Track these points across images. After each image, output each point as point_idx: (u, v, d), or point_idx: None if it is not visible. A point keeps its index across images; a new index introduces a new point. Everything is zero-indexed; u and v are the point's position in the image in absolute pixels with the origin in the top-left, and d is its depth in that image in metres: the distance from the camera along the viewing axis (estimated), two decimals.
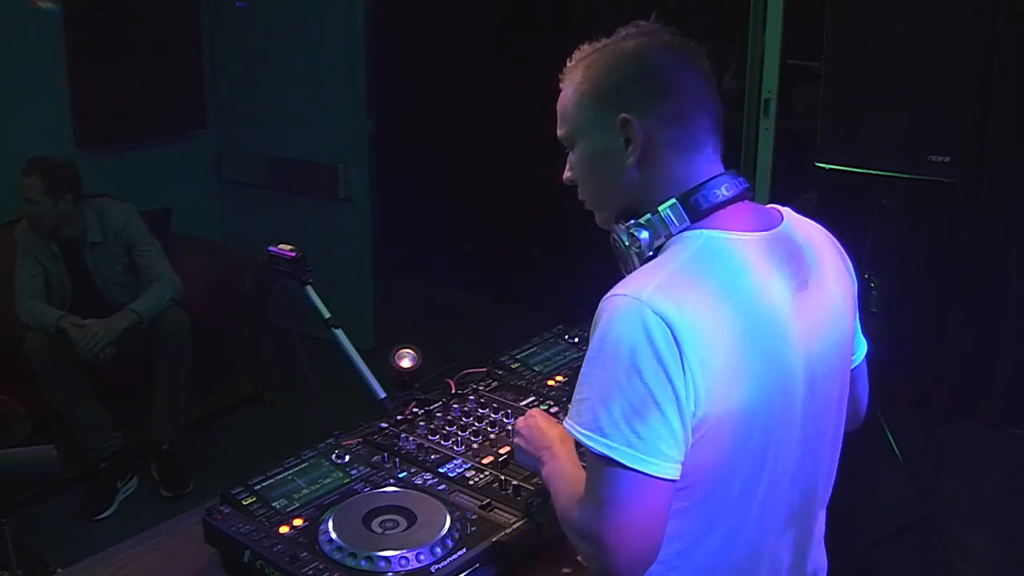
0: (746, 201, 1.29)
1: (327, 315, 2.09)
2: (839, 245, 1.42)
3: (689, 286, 1.18)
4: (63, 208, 3.62)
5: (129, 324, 3.67)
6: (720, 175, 1.28)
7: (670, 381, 1.13)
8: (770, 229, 1.29)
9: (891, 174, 2.75)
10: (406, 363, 1.99)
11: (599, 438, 1.15)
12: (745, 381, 1.18)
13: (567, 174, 1.37)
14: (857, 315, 1.43)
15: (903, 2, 2.65)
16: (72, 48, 4.42)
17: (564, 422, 1.21)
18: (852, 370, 1.43)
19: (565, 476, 1.33)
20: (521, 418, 1.55)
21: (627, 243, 1.28)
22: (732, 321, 1.17)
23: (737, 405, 1.18)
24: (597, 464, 1.16)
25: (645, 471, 1.13)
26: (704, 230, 1.24)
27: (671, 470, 1.15)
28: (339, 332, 2.07)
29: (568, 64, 1.34)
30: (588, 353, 1.19)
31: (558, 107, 1.35)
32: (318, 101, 4.85)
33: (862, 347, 1.47)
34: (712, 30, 4.27)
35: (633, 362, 1.14)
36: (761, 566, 1.30)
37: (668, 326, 1.13)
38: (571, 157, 1.36)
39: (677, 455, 1.15)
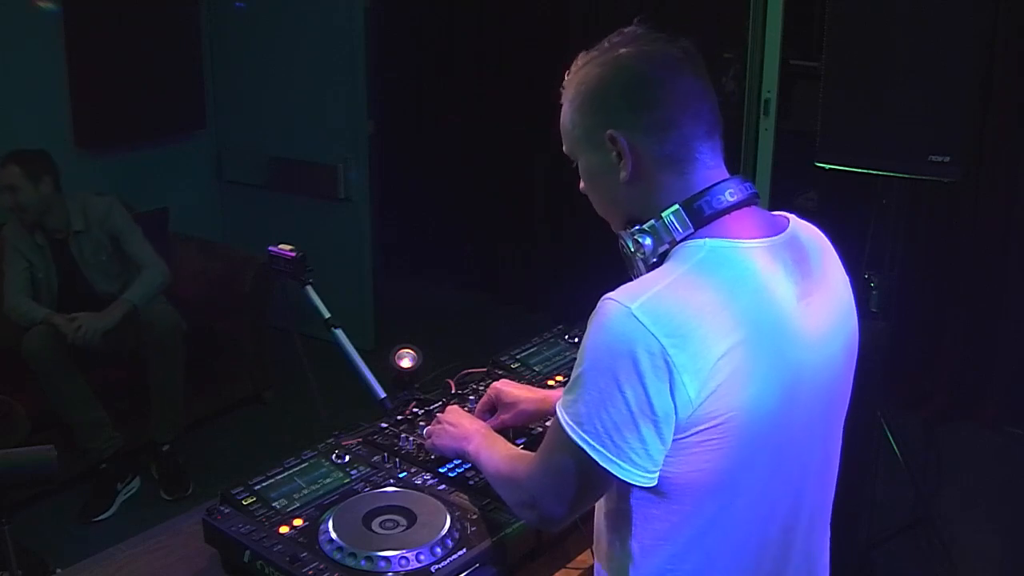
0: (752, 207, 1.28)
1: (327, 315, 2.09)
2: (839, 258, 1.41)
3: (688, 295, 1.17)
4: (44, 192, 3.64)
5: (124, 313, 3.67)
6: (725, 180, 1.26)
7: (647, 395, 1.14)
8: (776, 234, 1.28)
9: (891, 174, 2.74)
10: (406, 363, 1.99)
11: (577, 429, 1.19)
12: (750, 387, 1.17)
13: (581, 185, 1.37)
14: None
15: (903, 2, 2.65)
16: (72, 48, 4.42)
17: (557, 405, 1.23)
18: None
19: (496, 447, 1.51)
20: (442, 414, 1.73)
21: (632, 249, 1.27)
22: (735, 329, 1.16)
23: (742, 410, 1.17)
24: (570, 448, 1.20)
25: (612, 471, 1.18)
26: (708, 239, 1.22)
27: (640, 477, 1.18)
28: (339, 332, 2.07)
29: (567, 76, 1.33)
30: (580, 350, 1.20)
31: (560, 122, 1.35)
32: (318, 101, 4.85)
33: None
34: (712, 30, 4.27)
35: (613, 373, 1.15)
36: (765, 567, 1.30)
37: (656, 338, 1.13)
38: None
39: (649, 465, 1.18)
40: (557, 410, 1.22)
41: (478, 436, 1.58)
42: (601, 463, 1.17)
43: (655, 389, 1.13)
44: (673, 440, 1.17)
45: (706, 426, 1.16)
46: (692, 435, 1.16)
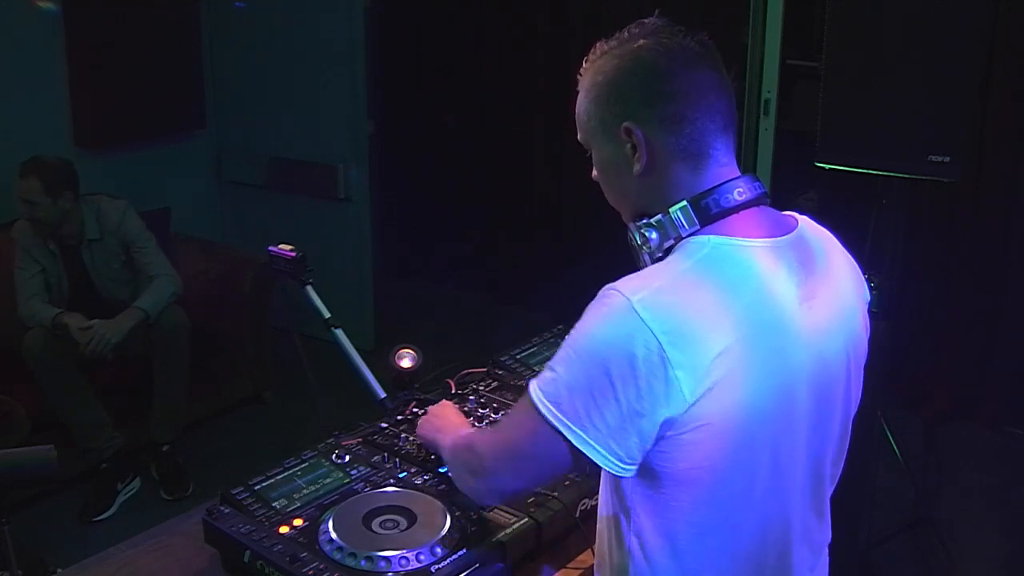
0: (762, 206, 1.28)
1: (327, 315, 2.09)
2: (852, 258, 1.41)
3: (689, 292, 1.17)
4: (63, 206, 3.62)
5: (136, 322, 3.66)
6: (735, 179, 1.26)
7: (638, 389, 1.14)
8: (782, 235, 1.28)
9: (891, 174, 2.74)
10: (406, 363, 1.99)
11: (555, 411, 1.18)
12: (747, 386, 1.17)
13: (594, 174, 1.37)
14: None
15: (903, 2, 2.65)
16: (72, 48, 4.42)
17: (530, 383, 1.23)
18: None
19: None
20: (433, 406, 1.74)
21: (639, 242, 1.28)
22: (734, 328, 1.16)
23: (738, 409, 1.17)
24: (539, 425, 1.20)
25: (588, 454, 1.18)
26: (712, 236, 1.22)
27: (615, 466, 1.18)
28: (339, 332, 2.07)
29: (584, 65, 1.33)
30: (572, 331, 1.20)
31: (576, 111, 1.35)
32: (318, 101, 4.85)
33: None
34: (712, 30, 4.27)
35: (605, 364, 1.15)
36: (764, 564, 1.30)
37: (653, 333, 1.13)
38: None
39: (624, 456, 1.18)
40: (531, 388, 1.22)
41: (457, 430, 1.55)
42: (577, 445, 1.17)
43: (647, 385, 1.13)
44: (668, 436, 1.17)
45: (702, 423, 1.16)
46: (688, 432, 1.16)
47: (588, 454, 1.18)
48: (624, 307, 1.15)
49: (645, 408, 1.14)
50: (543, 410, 1.19)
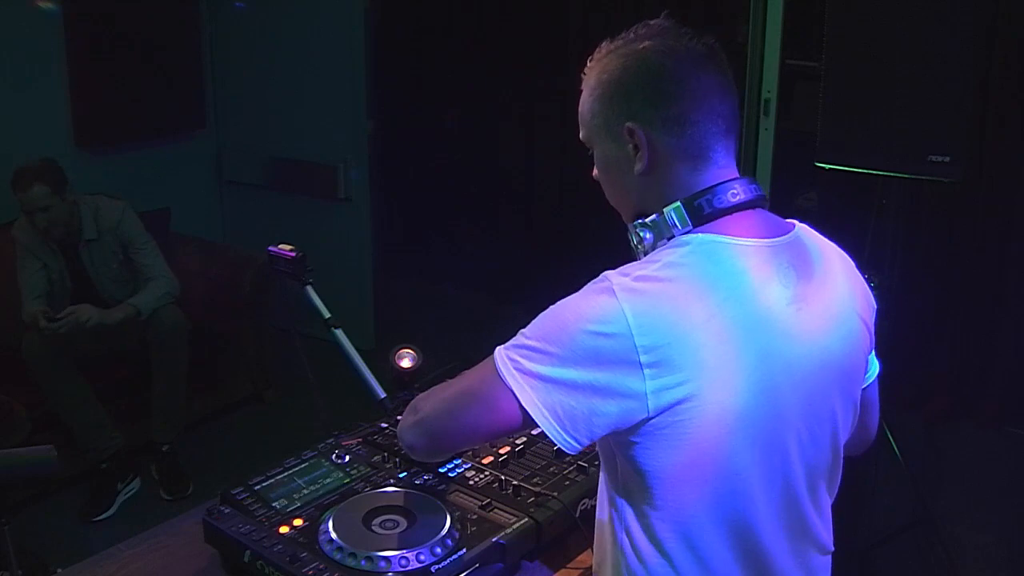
0: (758, 209, 1.28)
1: (327, 315, 2.09)
2: (858, 272, 1.40)
3: (665, 283, 1.17)
4: (69, 200, 3.63)
5: (125, 316, 3.66)
6: (731, 180, 1.26)
7: (598, 366, 1.15)
8: (777, 237, 1.27)
9: (891, 174, 2.74)
10: (406, 363, 1.99)
11: (511, 366, 1.20)
12: (728, 381, 1.17)
13: (595, 173, 1.38)
14: (874, 339, 1.40)
15: (903, 2, 2.65)
16: (72, 48, 4.42)
17: (501, 347, 1.24)
18: (863, 390, 1.41)
19: None
20: None
21: (635, 241, 1.30)
22: (712, 320, 1.16)
23: (719, 405, 1.16)
24: (492, 376, 1.22)
25: (532, 414, 1.18)
26: (702, 234, 1.23)
27: (558, 435, 1.18)
28: (339, 332, 2.07)
29: (588, 63, 1.34)
30: (560, 303, 1.22)
31: (579, 109, 1.35)
32: (318, 101, 4.86)
33: (874, 367, 1.44)
34: (712, 30, 4.27)
35: (572, 334, 1.17)
36: (756, 567, 1.29)
37: (626, 320, 1.14)
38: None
39: (569, 427, 1.18)
40: (498, 353, 1.23)
41: None
42: (524, 404, 1.18)
43: (609, 364, 1.14)
44: (642, 429, 1.17)
45: (678, 418, 1.16)
46: (666, 427, 1.16)
47: (533, 415, 1.18)
48: (605, 289, 1.17)
49: (601, 386, 1.15)
50: (500, 363, 1.21)
